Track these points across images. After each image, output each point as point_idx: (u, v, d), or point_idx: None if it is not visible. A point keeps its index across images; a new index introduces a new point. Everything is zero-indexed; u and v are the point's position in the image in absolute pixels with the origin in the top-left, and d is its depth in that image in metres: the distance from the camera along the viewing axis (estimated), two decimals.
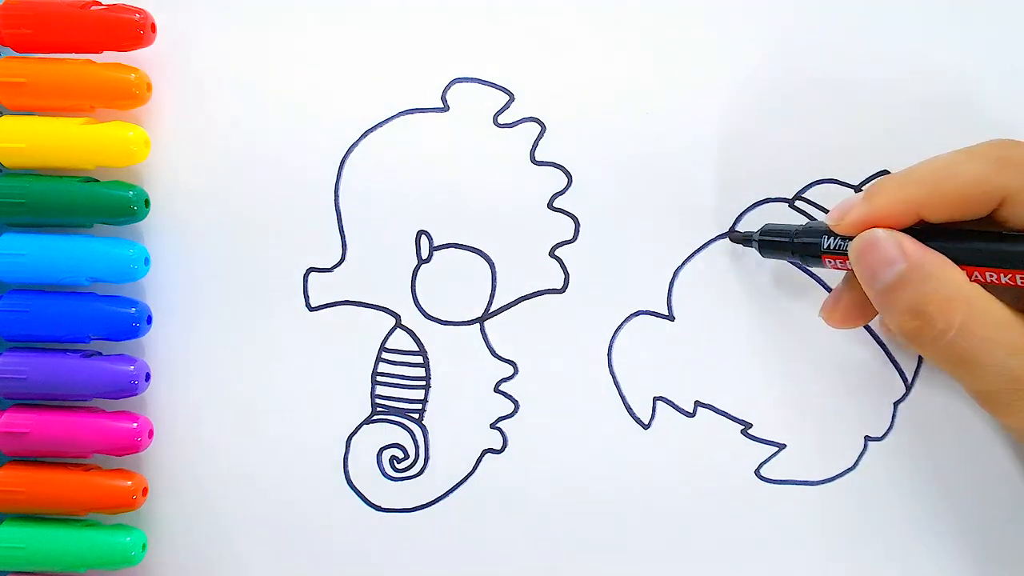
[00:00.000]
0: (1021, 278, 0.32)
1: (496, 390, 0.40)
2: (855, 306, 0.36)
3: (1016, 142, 0.33)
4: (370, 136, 0.39)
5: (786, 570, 0.39)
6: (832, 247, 0.35)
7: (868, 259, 0.33)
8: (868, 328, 0.39)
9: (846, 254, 0.34)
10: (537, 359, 0.40)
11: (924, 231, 0.33)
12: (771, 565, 0.39)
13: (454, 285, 0.40)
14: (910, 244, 0.32)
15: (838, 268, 0.35)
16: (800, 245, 0.36)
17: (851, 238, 0.34)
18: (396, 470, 0.40)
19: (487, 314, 0.40)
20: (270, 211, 0.39)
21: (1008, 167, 0.32)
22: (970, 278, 0.32)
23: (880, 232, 0.33)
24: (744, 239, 0.38)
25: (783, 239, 0.36)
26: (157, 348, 0.40)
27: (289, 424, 0.40)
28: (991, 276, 0.32)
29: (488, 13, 0.39)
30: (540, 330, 0.40)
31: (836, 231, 0.34)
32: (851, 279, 0.36)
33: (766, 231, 0.37)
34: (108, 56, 0.38)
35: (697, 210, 0.39)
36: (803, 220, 0.38)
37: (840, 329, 0.38)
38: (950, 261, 0.32)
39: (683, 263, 0.39)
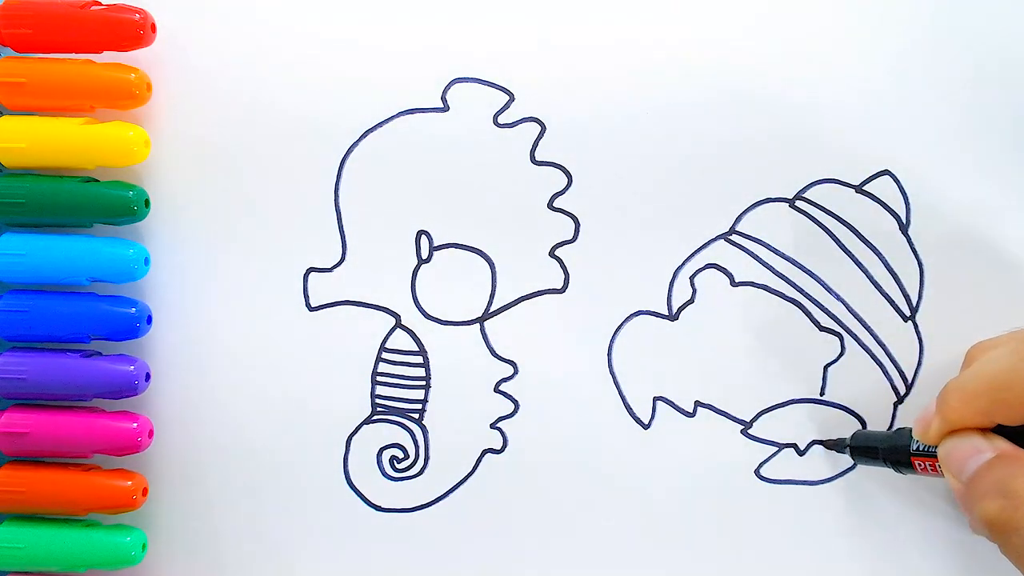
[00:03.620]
0: None
1: (496, 390, 0.40)
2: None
3: None
4: (370, 136, 0.39)
5: (786, 570, 0.39)
6: (922, 451, 0.36)
7: (958, 452, 0.34)
8: (868, 328, 0.39)
9: (935, 456, 0.35)
10: (537, 359, 0.40)
11: (1013, 433, 0.34)
12: (771, 565, 0.39)
13: (454, 285, 0.40)
14: (999, 439, 0.33)
15: (929, 473, 0.36)
16: (889, 452, 0.37)
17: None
18: (396, 470, 0.40)
19: (487, 314, 0.40)
20: (270, 211, 0.39)
21: None
22: None
23: (974, 431, 0.34)
24: (836, 446, 0.39)
25: (872, 448, 0.38)
26: (157, 348, 0.40)
27: (289, 424, 0.40)
28: None
29: (488, 13, 0.39)
30: (540, 330, 0.40)
31: (923, 443, 0.35)
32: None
33: (856, 439, 0.38)
34: (108, 56, 0.38)
35: (697, 210, 0.39)
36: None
37: None
38: None
39: (683, 263, 0.39)
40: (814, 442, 0.39)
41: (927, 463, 0.36)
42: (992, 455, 0.33)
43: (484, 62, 0.39)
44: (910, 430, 0.36)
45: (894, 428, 0.39)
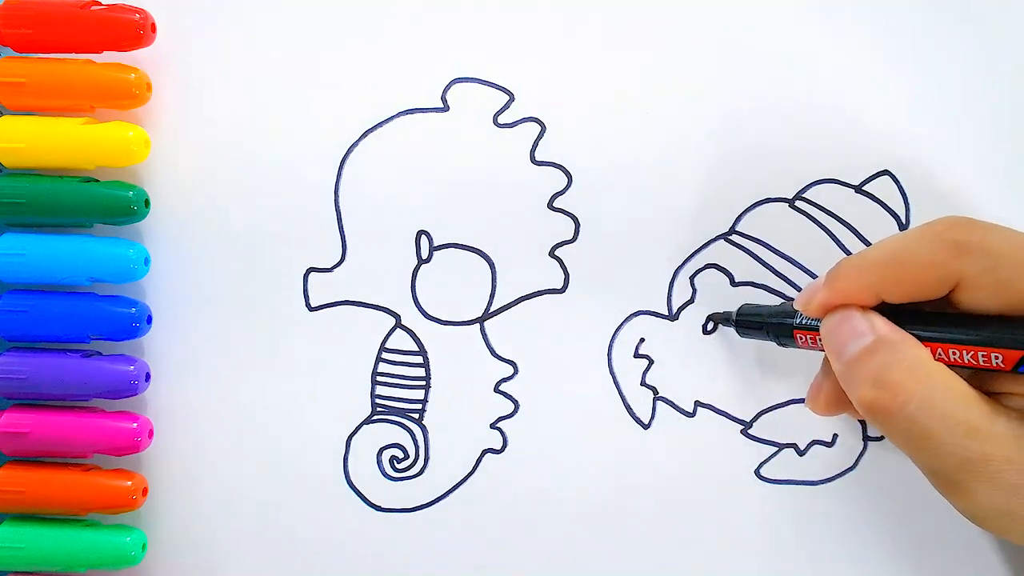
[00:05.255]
0: (983, 356, 0.32)
1: (496, 390, 0.40)
2: (837, 392, 0.36)
3: (970, 222, 0.32)
4: (370, 136, 0.39)
5: (786, 570, 0.39)
6: (805, 324, 0.35)
7: (838, 333, 0.34)
8: None
9: (817, 330, 0.35)
10: (537, 359, 0.40)
11: (892, 311, 0.33)
12: (771, 565, 0.39)
13: (454, 285, 0.40)
14: (880, 321, 0.33)
15: (809, 347, 0.36)
16: (773, 325, 0.37)
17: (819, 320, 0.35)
18: (396, 470, 0.40)
19: (487, 314, 0.40)
20: (270, 211, 0.39)
21: (962, 253, 0.32)
22: (934, 357, 0.32)
23: (855, 309, 0.34)
24: (723, 319, 0.39)
25: (757, 319, 0.37)
26: (157, 348, 0.40)
27: (289, 424, 0.40)
28: (954, 354, 0.32)
29: (488, 13, 0.39)
30: (540, 330, 0.40)
31: (805, 314, 0.35)
32: (827, 366, 0.36)
33: (742, 312, 0.38)
34: (108, 56, 0.38)
35: (697, 210, 0.39)
36: (777, 301, 0.39)
37: (825, 416, 0.38)
38: (916, 340, 0.32)
39: (683, 263, 0.39)
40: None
41: (807, 336, 0.35)
42: (872, 338, 0.33)
43: (484, 62, 0.39)
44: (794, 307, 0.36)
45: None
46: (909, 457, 0.32)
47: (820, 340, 0.35)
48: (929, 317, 0.33)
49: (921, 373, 0.32)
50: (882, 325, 0.33)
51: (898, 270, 0.33)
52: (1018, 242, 0.32)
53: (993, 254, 0.31)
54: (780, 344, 0.37)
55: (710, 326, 0.39)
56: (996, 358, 0.31)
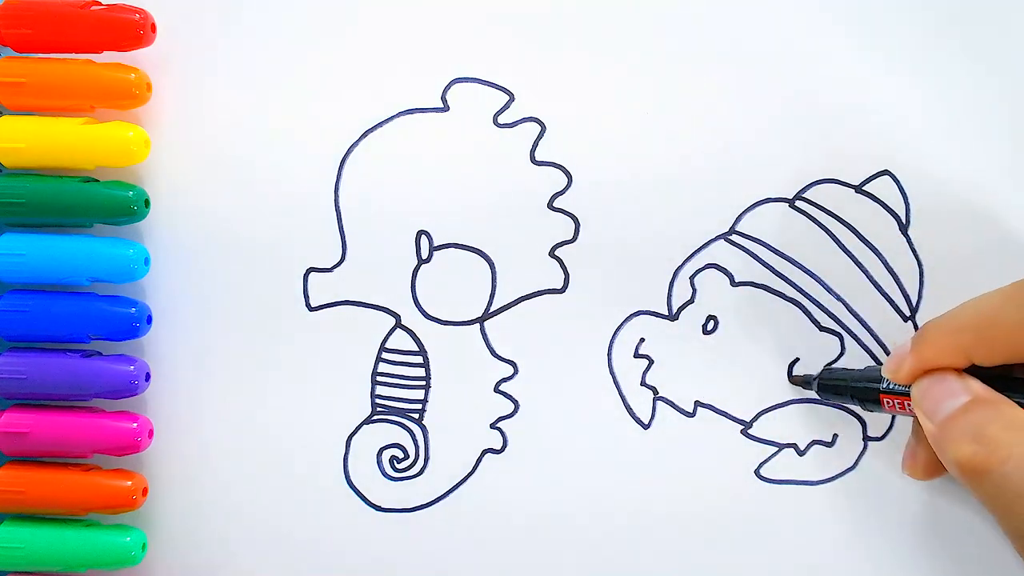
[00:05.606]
0: None
1: (496, 390, 0.40)
2: (933, 457, 0.36)
3: None
4: (370, 136, 0.39)
5: (786, 570, 0.39)
6: (893, 389, 0.35)
7: (932, 394, 0.33)
8: (868, 328, 0.39)
9: (906, 394, 0.35)
10: (537, 359, 0.40)
11: (983, 377, 0.33)
12: (771, 565, 0.39)
13: (454, 285, 0.40)
14: (975, 382, 0.33)
15: (897, 411, 0.36)
16: (859, 390, 0.37)
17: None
18: (396, 470, 0.40)
19: (487, 314, 0.40)
20: (270, 211, 0.39)
21: None
22: None
23: (949, 372, 0.33)
24: (803, 382, 0.39)
25: (841, 384, 0.37)
26: (157, 348, 0.40)
27: (289, 424, 0.40)
28: None
29: (488, 13, 0.39)
30: (540, 330, 0.40)
31: (894, 381, 0.35)
32: (918, 430, 0.36)
33: (824, 377, 0.38)
34: (108, 56, 0.38)
35: (697, 210, 0.39)
36: (864, 363, 0.39)
37: (926, 481, 0.38)
38: (1012, 402, 0.33)
39: (683, 263, 0.39)
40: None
41: (895, 401, 0.35)
42: (967, 398, 0.33)
43: (484, 62, 0.39)
44: (880, 368, 0.36)
45: (891, 424, 0.39)
46: (996, 517, 0.32)
47: (909, 405, 0.35)
48: (1022, 382, 0.33)
49: (1020, 428, 0.31)
50: (977, 386, 0.33)
51: (988, 332, 0.33)
52: None
53: None
54: (865, 408, 0.37)
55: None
56: None
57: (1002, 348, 0.33)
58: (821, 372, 0.38)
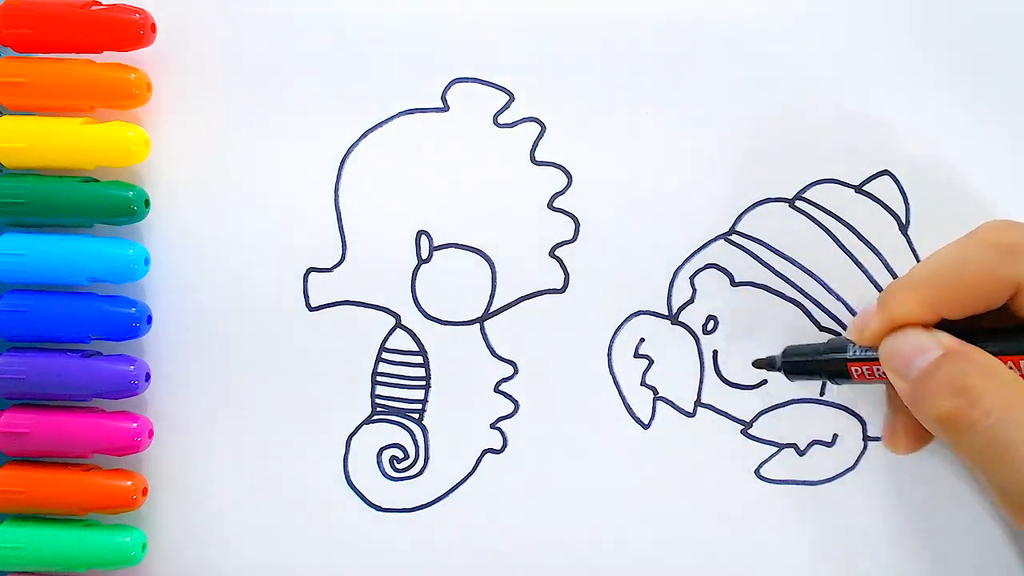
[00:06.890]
0: None
1: (496, 390, 0.40)
2: (913, 426, 0.34)
3: (1014, 225, 0.32)
4: (370, 136, 0.39)
5: (786, 570, 0.39)
6: (860, 356, 0.34)
7: (901, 352, 0.32)
8: None
9: (875, 359, 0.34)
10: (537, 359, 0.40)
11: (951, 330, 0.32)
12: (771, 565, 0.39)
13: (454, 285, 0.40)
14: (944, 335, 0.32)
15: (866, 379, 0.35)
16: (825, 363, 0.36)
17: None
18: (396, 470, 0.40)
19: (487, 314, 0.40)
20: (270, 211, 0.39)
21: (1015, 254, 0.31)
22: None
23: (911, 328, 0.32)
24: (767, 365, 0.38)
25: (807, 358, 0.36)
26: (157, 348, 0.40)
27: (289, 424, 0.40)
28: None
29: (488, 13, 0.39)
30: (540, 330, 0.40)
31: (860, 344, 0.34)
32: (893, 399, 0.35)
33: (789, 352, 0.37)
34: (108, 56, 0.38)
35: (697, 210, 0.39)
36: (827, 337, 0.38)
37: (910, 454, 0.37)
38: (984, 351, 0.31)
39: (683, 263, 0.39)
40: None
41: (865, 368, 0.34)
42: (939, 352, 0.31)
43: (484, 62, 0.39)
44: (845, 339, 0.35)
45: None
46: (978, 473, 0.31)
47: (879, 371, 0.34)
48: (990, 332, 0.32)
49: (998, 378, 0.30)
50: (947, 339, 0.32)
51: (953, 283, 0.32)
52: None
53: None
54: (834, 383, 0.36)
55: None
56: None
57: (970, 297, 0.31)
58: (784, 350, 0.37)
